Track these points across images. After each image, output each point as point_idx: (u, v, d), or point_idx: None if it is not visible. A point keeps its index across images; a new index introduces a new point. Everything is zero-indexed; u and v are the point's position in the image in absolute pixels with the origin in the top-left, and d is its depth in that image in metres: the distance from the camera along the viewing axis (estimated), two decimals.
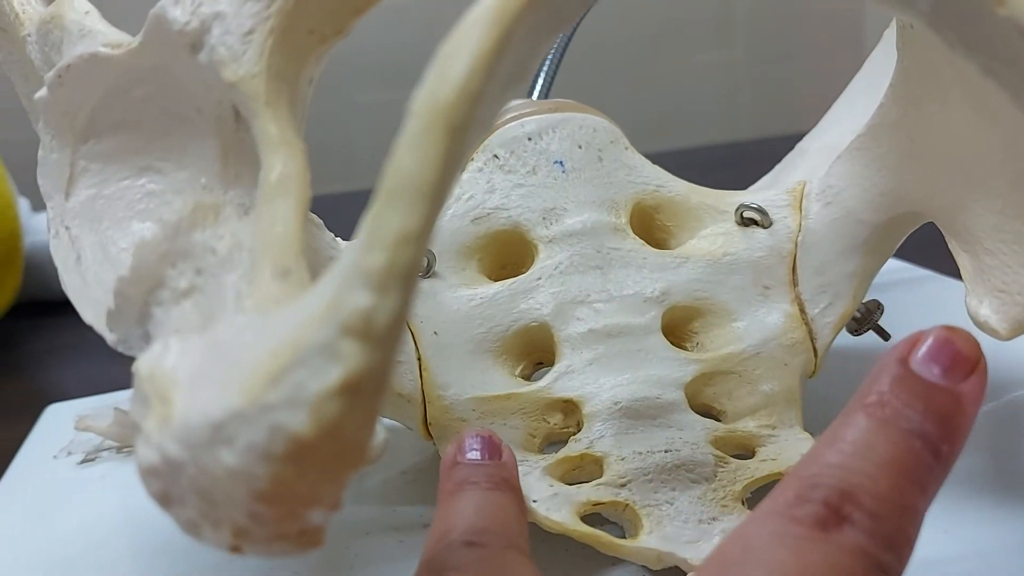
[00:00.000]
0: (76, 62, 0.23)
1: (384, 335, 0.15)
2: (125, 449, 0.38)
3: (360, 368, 0.15)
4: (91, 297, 0.24)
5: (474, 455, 0.24)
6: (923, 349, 0.17)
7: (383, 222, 0.14)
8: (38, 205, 0.66)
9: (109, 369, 0.48)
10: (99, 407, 0.41)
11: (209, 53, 0.20)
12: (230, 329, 0.18)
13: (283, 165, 0.20)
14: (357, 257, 0.15)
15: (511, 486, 0.24)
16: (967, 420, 0.16)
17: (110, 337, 0.21)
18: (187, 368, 0.17)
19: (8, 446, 0.41)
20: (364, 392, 0.15)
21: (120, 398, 0.43)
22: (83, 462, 0.38)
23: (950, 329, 0.17)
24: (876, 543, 0.15)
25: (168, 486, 0.16)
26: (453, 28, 0.15)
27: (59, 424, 0.41)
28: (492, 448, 0.25)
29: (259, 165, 0.22)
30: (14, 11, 0.27)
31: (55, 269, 0.65)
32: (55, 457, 0.38)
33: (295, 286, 0.19)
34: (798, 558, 0.15)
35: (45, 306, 0.62)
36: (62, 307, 0.61)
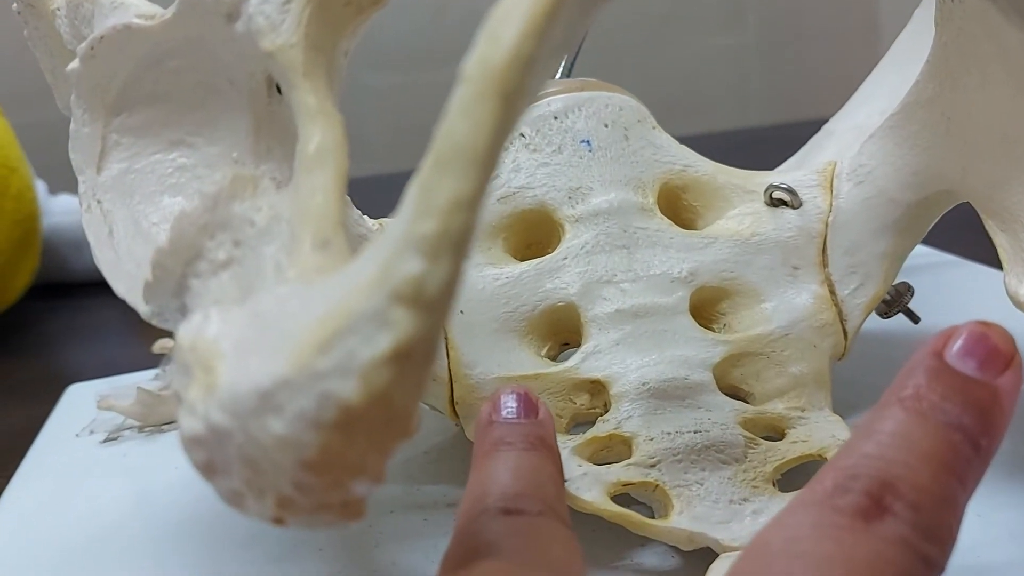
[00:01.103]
0: (109, 33, 0.23)
1: (436, 302, 0.15)
2: (147, 428, 0.38)
3: (411, 335, 0.14)
4: (123, 270, 0.24)
5: (510, 413, 0.24)
6: (959, 343, 0.17)
7: (435, 188, 0.14)
8: (55, 187, 0.66)
9: (127, 350, 0.48)
10: (120, 387, 0.41)
11: (246, 22, 0.20)
12: (272, 299, 0.18)
13: (321, 136, 0.20)
14: (408, 224, 0.15)
15: (547, 445, 0.23)
16: (1005, 414, 0.16)
17: (144, 309, 0.21)
18: (230, 337, 0.17)
19: (29, 426, 0.41)
20: (414, 360, 0.15)
21: (140, 378, 0.43)
22: (105, 441, 0.38)
23: (985, 324, 0.17)
24: (918, 535, 0.15)
25: (213, 455, 0.16)
26: None
27: (81, 403, 0.41)
28: (528, 405, 0.24)
29: (291, 139, 0.22)
30: None
31: (73, 251, 0.65)
32: (77, 436, 0.38)
33: (335, 256, 0.19)
34: (843, 550, 0.15)
35: (63, 288, 0.62)
36: (80, 288, 0.62)
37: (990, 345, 0.16)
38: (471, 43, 0.15)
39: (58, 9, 0.26)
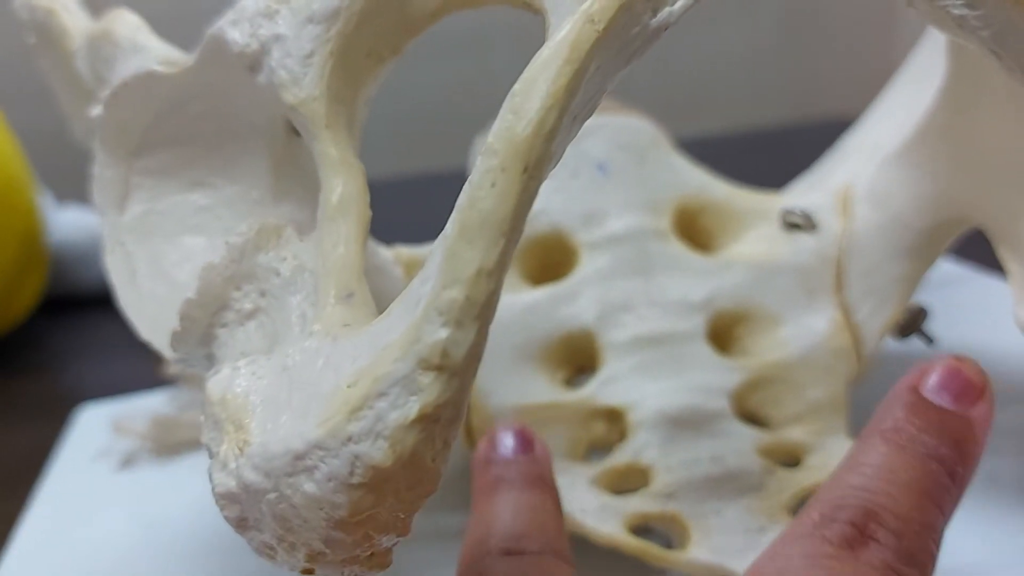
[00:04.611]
0: (131, 80, 0.23)
1: (461, 367, 0.15)
2: (161, 452, 0.39)
3: (438, 399, 0.15)
4: (146, 313, 0.24)
5: (507, 450, 0.24)
6: (934, 377, 0.18)
7: (461, 257, 0.15)
8: (62, 195, 0.64)
9: (137, 367, 0.48)
10: (133, 409, 0.41)
11: (269, 75, 0.20)
12: (300, 353, 0.18)
13: (344, 187, 0.20)
14: (434, 290, 0.15)
15: (545, 482, 0.23)
16: (979, 443, 0.18)
17: (171, 356, 0.21)
18: (259, 393, 0.18)
19: (38, 447, 0.41)
20: (442, 422, 0.15)
21: (152, 400, 0.43)
22: (121, 466, 0.38)
23: (958, 358, 0.18)
24: (901, 560, 0.16)
25: (245, 512, 0.17)
26: (529, 64, 0.15)
27: (92, 426, 0.42)
28: (525, 442, 0.24)
29: (310, 179, 0.22)
30: (62, 25, 0.27)
31: (81, 265, 0.64)
32: (94, 461, 0.39)
33: (359, 308, 0.19)
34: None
35: (71, 303, 0.62)
36: (89, 304, 0.62)
37: (964, 379, 0.18)
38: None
39: (77, 50, 0.27)
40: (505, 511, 0.22)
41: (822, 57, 0.98)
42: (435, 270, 0.15)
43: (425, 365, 0.15)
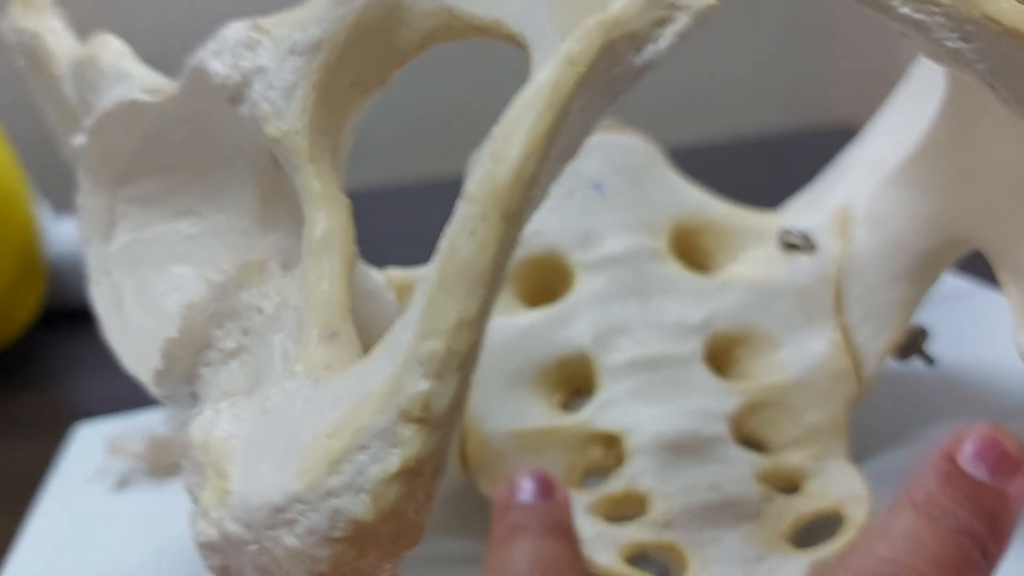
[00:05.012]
0: (114, 109, 0.23)
1: (443, 419, 0.15)
2: (158, 473, 0.38)
3: (420, 453, 0.15)
4: (133, 346, 0.24)
5: (526, 495, 0.23)
6: (969, 447, 0.17)
7: (441, 309, 0.14)
8: (61, 206, 0.64)
9: (135, 383, 0.47)
10: (128, 428, 0.41)
11: (251, 107, 0.20)
12: (281, 395, 0.18)
13: (327, 221, 0.20)
14: (415, 340, 0.14)
15: (564, 529, 0.22)
16: (1013, 519, 0.17)
17: (156, 392, 0.21)
18: (240, 437, 0.17)
19: (36, 464, 0.40)
20: (424, 475, 0.15)
21: (149, 418, 0.43)
22: (117, 486, 0.38)
23: (996, 428, 0.18)
24: None
25: (228, 560, 0.16)
26: (507, 109, 0.14)
27: (88, 445, 0.41)
28: (545, 488, 0.23)
29: (297, 209, 0.22)
30: (48, 49, 0.27)
31: (80, 277, 0.63)
32: (88, 482, 0.38)
33: (343, 347, 0.19)
34: None
35: (70, 316, 0.61)
36: (87, 316, 0.61)
37: (1001, 450, 0.17)
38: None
39: (63, 75, 0.26)
40: (521, 559, 0.21)
41: (825, 65, 0.97)
42: (416, 317, 0.15)
43: (406, 417, 0.14)
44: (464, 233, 0.14)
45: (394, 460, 0.14)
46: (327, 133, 0.20)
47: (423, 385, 0.14)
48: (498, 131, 0.14)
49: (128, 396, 0.46)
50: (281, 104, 0.20)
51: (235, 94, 0.20)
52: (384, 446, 0.14)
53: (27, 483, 0.39)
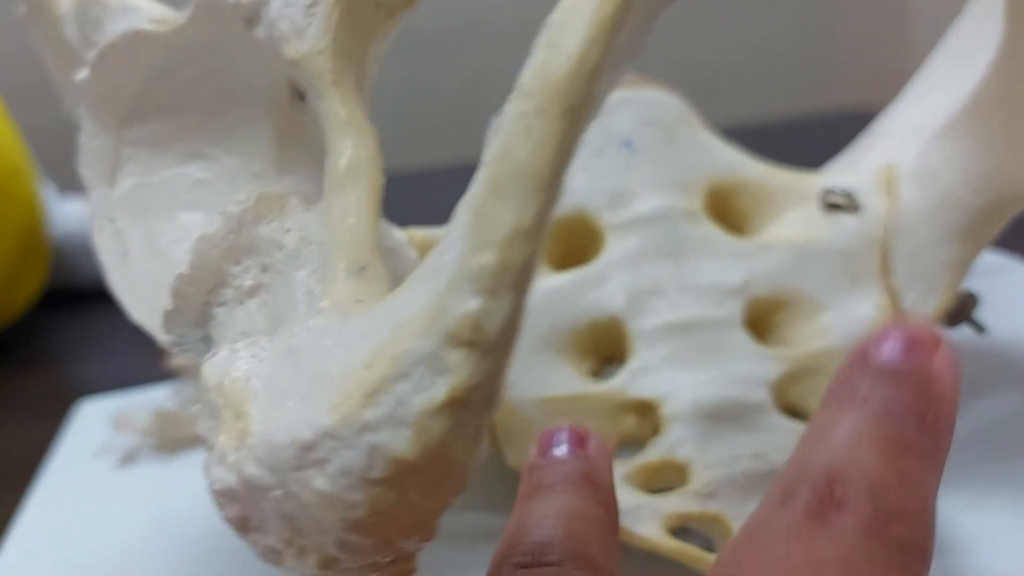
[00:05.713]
0: (119, 40, 0.21)
1: (496, 343, 0.13)
2: (164, 448, 0.37)
3: (470, 380, 0.13)
4: (139, 294, 0.22)
5: (554, 451, 0.22)
6: (880, 338, 0.16)
7: (492, 216, 0.12)
8: (65, 186, 0.63)
9: (139, 361, 0.46)
10: (133, 404, 0.40)
11: (268, 27, 0.18)
12: (306, 332, 0.16)
13: (353, 149, 0.18)
14: (462, 256, 0.13)
15: (592, 481, 0.20)
16: (945, 385, 0.16)
17: (164, 338, 0.19)
18: (261, 376, 0.15)
19: (39, 443, 0.39)
20: (473, 407, 0.13)
21: (154, 394, 0.41)
22: (122, 462, 0.36)
23: (904, 320, 0.17)
24: (883, 518, 0.14)
25: (247, 511, 0.15)
26: None
27: (92, 421, 0.40)
28: (574, 441, 0.22)
29: (317, 149, 0.20)
30: None
31: (84, 257, 0.62)
32: (93, 457, 0.37)
33: (372, 283, 0.17)
34: (806, 553, 0.14)
35: (73, 296, 0.61)
36: (91, 296, 0.60)
37: (911, 334, 0.16)
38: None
39: (66, 14, 0.25)
40: (535, 518, 0.19)
41: (838, 49, 0.95)
42: (461, 235, 0.13)
43: (454, 341, 0.13)
44: (518, 131, 0.12)
45: (440, 389, 0.13)
46: (351, 57, 0.18)
47: (473, 304, 0.13)
48: (555, 16, 0.13)
49: (132, 376, 0.45)
50: (301, 23, 0.18)
51: (251, 14, 0.19)
52: (429, 373, 0.13)
53: (30, 463, 0.38)
